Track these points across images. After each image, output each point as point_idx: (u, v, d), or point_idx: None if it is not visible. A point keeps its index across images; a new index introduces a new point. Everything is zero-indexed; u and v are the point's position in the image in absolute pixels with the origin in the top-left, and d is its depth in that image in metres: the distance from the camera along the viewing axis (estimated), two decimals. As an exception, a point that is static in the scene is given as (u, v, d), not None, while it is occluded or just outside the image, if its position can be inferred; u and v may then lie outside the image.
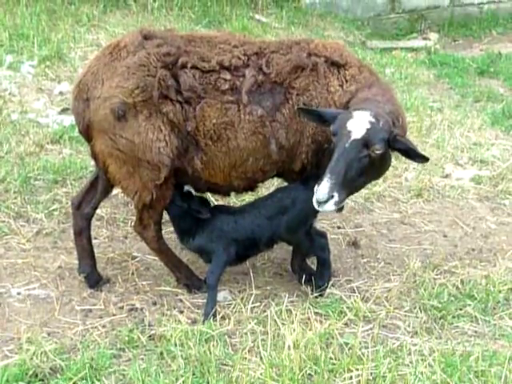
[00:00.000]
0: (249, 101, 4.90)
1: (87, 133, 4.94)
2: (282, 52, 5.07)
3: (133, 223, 5.30)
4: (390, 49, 12.23)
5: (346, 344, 4.67)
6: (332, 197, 4.57)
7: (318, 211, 5.16)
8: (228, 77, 4.90)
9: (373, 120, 4.62)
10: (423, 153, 4.81)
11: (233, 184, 5.17)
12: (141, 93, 4.73)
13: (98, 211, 6.01)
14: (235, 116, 4.90)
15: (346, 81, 5.05)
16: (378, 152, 4.64)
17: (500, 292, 5.44)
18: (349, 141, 4.62)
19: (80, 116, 4.90)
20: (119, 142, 4.78)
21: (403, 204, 6.84)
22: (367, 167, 4.71)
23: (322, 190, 4.54)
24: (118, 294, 5.25)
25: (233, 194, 5.48)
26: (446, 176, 7.44)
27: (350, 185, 4.70)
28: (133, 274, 5.46)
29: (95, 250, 5.48)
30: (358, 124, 4.63)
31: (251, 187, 5.35)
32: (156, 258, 5.54)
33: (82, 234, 5.31)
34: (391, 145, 4.69)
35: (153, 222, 5.11)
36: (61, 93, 8.18)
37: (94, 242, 5.63)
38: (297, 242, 5.34)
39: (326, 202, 4.57)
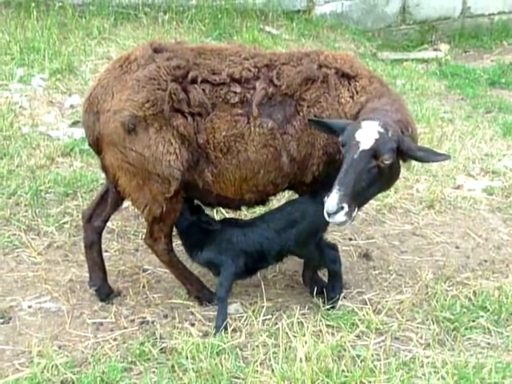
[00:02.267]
0: (259, 113, 4.89)
1: (97, 145, 4.94)
2: (293, 64, 5.06)
3: (143, 236, 5.29)
4: (400, 60, 12.22)
5: (358, 356, 4.64)
6: (342, 208, 4.53)
7: (327, 224, 5.16)
8: (238, 90, 4.89)
9: (381, 130, 4.60)
10: (438, 154, 4.81)
11: (244, 197, 5.15)
12: (151, 106, 4.72)
13: (109, 224, 6.01)
14: (245, 128, 4.89)
15: (357, 92, 5.04)
16: (386, 162, 4.62)
17: (513, 303, 5.41)
18: (357, 151, 4.60)
19: (90, 129, 4.90)
20: (129, 154, 4.78)
21: (415, 215, 6.81)
22: (376, 178, 4.70)
23: (331, 201, 4.52)
24: (129, 306, 5.23)
25: (244, 208, 5.46)
26: (458, 187, 7.40)
27: (359, 196, 4.68)
28: (144, 286, 5.45)
29: (106, 263, 5.46)
30: (367, 134, 4.60)
31: (262, 200, 5.33)
32: (167, 271, 5.53)
33: (93, 247, 5.31)
34: (402, 154, 4.67)
35: (163, 235, 5.10)
36: (71, 106, 8.19)
37: (104, 254, 5.62)
38: (307, 255, 5.32)
39: (335, 213, 4.53)
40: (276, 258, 5.23)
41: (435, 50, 13.22)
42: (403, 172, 5.41)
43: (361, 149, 4.60)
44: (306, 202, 5.19)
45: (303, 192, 5.30)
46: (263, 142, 4.92)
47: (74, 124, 7.79)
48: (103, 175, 6.56)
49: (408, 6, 13.30)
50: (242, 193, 5.10)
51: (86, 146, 7.19)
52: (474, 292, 5.53)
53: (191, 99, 4.80)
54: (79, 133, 7.53)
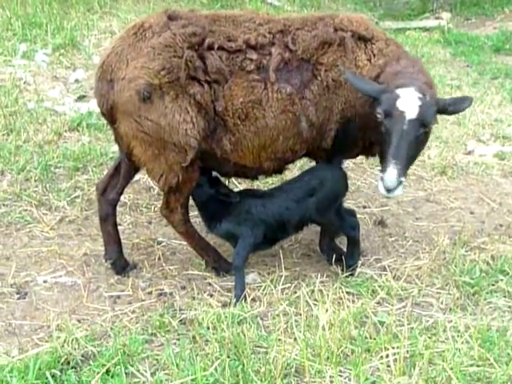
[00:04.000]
0: (276, 79, 4.82)
1: (111, 115, 4.84)
2: (307, 29, 4.99)
3: (160, 207, 5.23)
4: (403, 29, 12.14)
5: (381, 322, 4.59)
6: (400, 182, 4.51)
7: (347, 189, 5.13)
8: (254, 56, 4.82)
9: (420, 95, 4.54)
10: (463, 99, 4.78)
11: (262, 165, 5.08)
12: (167, 74, 4.63)
13: (121, 197, 5.93)
14: (263, 94, 4.82)
15: (374, 55, 4.99)
16: (432, 126, 4.62)
17: (532, 266, 5.37)
18: (405, 122, 4.52)
19: (103, 98, 4.79)
20: (144, 124, 4.69)
21: (427, 182, 6.77)
22: (423, 142, 4.74)
23: (390, 177, 4.47)
24: (146, 279, 5.18)
25: (261, 177, 5.40)
26: (469, 153, 7.36)
27: (410, 164, 4.72)
28: (159, 259, 5.40)
29: (120, 237, 5.43)
30: (409, 103, 4.53)
31: (280, 169, 5.26)
32: (182, 243, 5.50)
33: (108, 220, 5.25)
34: (439, 113, 4.66)
35: (179, 205, 5.04)
36: (76, 80, 8.13)
37: (118, 228, 5.59)
38: (328, 223, 5.25)
39: (396, 188, 4.50)
40: (296, 228, 5.17)
41: (437, 18, 13.14)
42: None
43: (408, 118, 4.52)
44: (324, 169, 5.14)
45: (321, 158, 5.24)
46: (282, 108, 4.85)
47: (80, 98, 7.74)
48: (113, 148, 6.59)
49: (409, -26, 13.20)
50: (261, 161, 5.03)
51: (94, 120, 7.19)
52: (492, 256, 5.51)
53: (208, 66, 4.72)
54: (85, 107, 7.48)
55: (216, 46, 4.76)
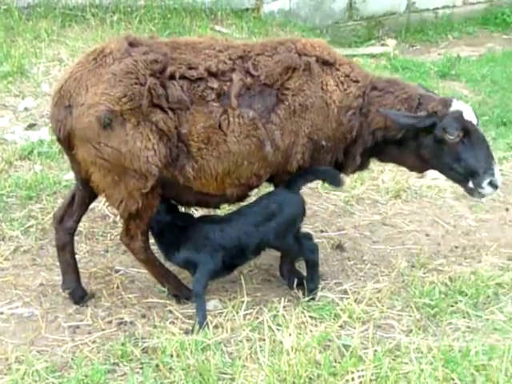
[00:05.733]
0: (238, 104, 4.83)
1: (68, 141, 4.77)
2: (268, 54, 5.03)
3: (115, 235, 5.17)
4: (350, 56, 12.19)
5: (345, 346, 4.59)
6: None
7: (304, 214, 5.14)
8: (215, 85, 4.82)
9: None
10: None
11: (226, 193, 5.06)
12: (129, 101, 4.59)
13: (77, 226, 5.89)
14: (222, 119, 4.81)
15: (342, 81, 5.11)
16: None
17: (489, 287, 5.44)
18: (478, 128, 5.10)
19: (61, 123, 4.71)
20: (104, 150, 4.64)
21: (383, 205, 6.81)
22: None
23: (499, 176, 5.08)
24: (105, 308, 5.10)
25: (223, 206, 5.42)
26: (422, 176, 7.41)
27: None
28: (118, 287, 5.32)
29: None
30: (469, 111, 5.05)
31: (244, 195, 5.25)
32: (140, 271, 5.44)
33: (66, 249, 5.16)
34: None
35: (140, 232, 4.98)
36: (26, 109, 7.99)
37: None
38: (286, 247, 5.24)
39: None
40: (254, 253, 5.15)
41: (383, 45, 13.29)
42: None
43: (476, 124, 5.08)
44: (282, 194, 5.14)
45: (284, 182, 5.24)
46: (245, 133, 4.86)
47: (30, 127, 7.61)
48: (66, 176, 6.52)
49: (355, 2, 13.32)
50: (225, 187, 5.01)
51: (45, 149, 7.09)
52: (450, 278, 5.56)
53: (170, 95, 4.70)
54: (36, 135, 7.36)
55: (178, 75, 4.75)
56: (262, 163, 4.99)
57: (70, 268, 5.18)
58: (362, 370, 4.32)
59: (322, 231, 6.24)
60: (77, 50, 9.62)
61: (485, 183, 5.06)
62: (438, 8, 14.25)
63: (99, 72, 4.66)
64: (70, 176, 6.53)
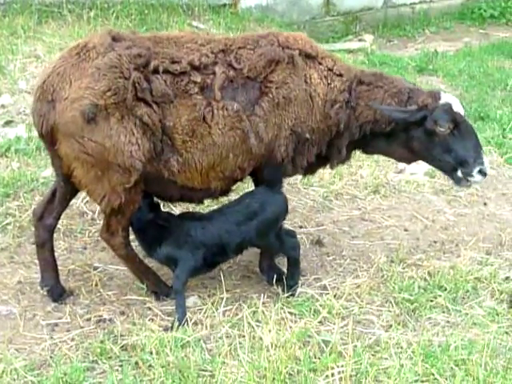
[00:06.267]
0: (222, 97, 4.84)
1: (50, 136, 4.73)
2: (250, 47, 5.04)
3: (93, 232, 5.14)
4: (327, 51, 12.23)
5: (325, 342, 4.59)
6: None
7: (287, 212, 5.14)
8: (198, 79, 4.82)
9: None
10: None
11: (210, 186, 5.06)
12: (113, 95, 4.58)
13: (55, 223, 5.85)
14: (206, 111, 4.81)
15: (326, 74, 5.15)
16: None
17: (468, 282, 5.47)
18: (466, 118, 5.26)
19: (43, 118, 4.68)
20: (87, 145, 4.61)
21: (361, 201, 6.82)
22: None
23: (488, 163, 5.25)
24: (84, 305, 5.07)
25: (206, 200, 5.40)
26: (400, 171, 7.44)
27: None
28: (96, 284, 5.28)
29: None
30: (456, 102, 5.17)
31: (227, 189, 5.25)
32: (119, 267, 5.42)
33: (45, 246, 5.13)
34: None
35: (121, 228, 4.95)
36: (2, 105, 7.92)
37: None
38: (268, 245, 5.24)
39: None
40: (236, 251, 5.14)
41: (360, 40, 13.32)
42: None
43: (464, 115, 5.23)
44: (264, 193, 5.13)
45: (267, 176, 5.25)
46: (229, 125, 4.87)
47: (7, 124, 7.54)
48: (44, 173, 6.47)
49: (332, -3, 13.36)
50: (209, 180, 5.01)
51: (22, 146, 7.02)
52: (429, 272, 5.58)
53: (154, 89, 4.70)
54: (13, 132, 7.28)
55: (161, 69, 4.74)
56: (247, 155, 5.00)
57: (49, 265, 5.15)
58: (342, 366, 4.32)
59: (300, 227, 6.24)
60: (53, 47, 9.55)
61: (475, 171, 5.17)
62: (415, 3, 14.34)
63: (83, 66, 4.64)
64: (48, 173, 6.50)
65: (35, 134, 6.97)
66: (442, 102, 5.10)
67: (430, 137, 5.15)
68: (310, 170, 5.49)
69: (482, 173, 5.20)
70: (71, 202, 5.96)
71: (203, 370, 4.34)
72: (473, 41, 13.32)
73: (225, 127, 4.86)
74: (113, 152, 4.63)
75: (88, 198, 6.15)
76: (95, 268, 5.50)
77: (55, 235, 5.70)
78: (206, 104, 4.82)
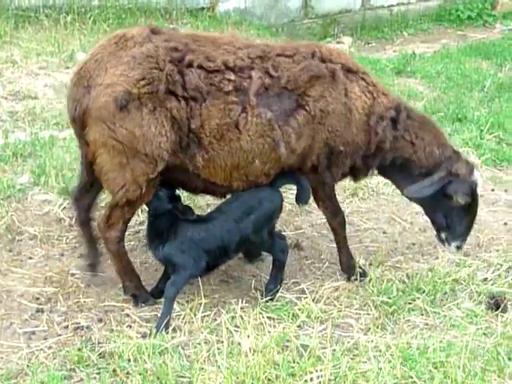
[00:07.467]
0: (257, 103, 4.87)
1: (82, 120, 4.80)
2: (288, 53, 5.08)
3: (70, 238, 5.12)
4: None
5: (304, 346, 4.58)
6: None
7: (281, 211, 5.24)
8: (232, 77, 4.87)
9: None
10: None
11: (232, 185, 5.10)
12: (146, 84, 4.66)
13: (31, 230, 5.87)
14: (240, 117, 4.86)
15: (368, 90, 5.21)
16: None
17: (446, 284, 5.48)
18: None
19: (77, 102, 4.78)
20: (118, 131, 4.67)
21: (340, 204, 6.77)
22: None
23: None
24: (61, 313, 5.02)
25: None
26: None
27: None
28: (74, 291, 5.25)
29: (31, 270, 5.39)
30: (480, 181, 5.46)
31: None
32: (97, 274, 5.37)
33: (85, 225, 5.33)
34: None
35: (122, 221, 4.97)
36: (-19, 111, 7.89)
37: (29, 261, 5.53)
38: (261, 243, 5.18)
39: None
40: (236, 250, 5.12)
41: (338, 42, 13.34)
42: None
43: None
44: (262, 189, 5.14)
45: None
46: (260, 132, 4.90)
47: (-14, 130, 7.50)
48: (20, 180, 6.43)
49: (310, 0, 13.36)
50: (232, 179, 5.06)
51: (-1, 152, 6.97)
52: (407, 275, 5.60)
53: (187, 82, 4.76)
54: (-9, 140, 7.26)
55: (195, 64, 4.80)
56: (274, 163, 5.05)
57: (92, 242, 5.32)
58: (321, 370, 4.32)
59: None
60: (30, 52, 9.54)
61: (453, 244, 5.49)
62: (392, 5, 14.35)
63: (120, 54, 4.74)
64: (25, 179, 6.50)
65: (12, 140, 7.02)
66: (473, 178, 5.23)
67: (441, 195, 5.23)
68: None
69: (458, 248, 5.51)
70: (48, 209, 6.01)
71: (181, 377, 4.32)
72: (450, 42, 13.38)
73: (255, 134, 4.89)
74: (142, 141, 4.70)
75: (66, 205, 6.14)
76: (72, 274, 5.45)
77: (32, 242, 5.75)
78: (240, 110, 4.85)
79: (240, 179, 5.05)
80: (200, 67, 4.82)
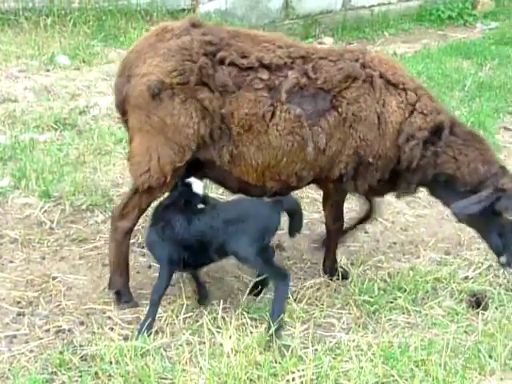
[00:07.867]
0: (287, 99, 4.89)
1: (123, 107, 5.03)
2: (332, 58, 5.06)
3: (52, 242, 5.09)
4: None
5: (286, 346, 4.59)
6: None
7: (275, 231, 5.05)
8: (265, 76, 4.90)
9: None
10: None
11: (265, 185, 5.12)
12: (178, 75, 4.78)
13: (12, 233, 5.84)
14: (269, 112, 4.89)
15: (411, 107, 5.10)
16: None
17: (427, 282, 5.51)
18: None
19: (119, 91, 5.02)
20: (152, 118, 4.85)
21: (321, 204, 6.79)
22: None
23: None
24: (43, 316, 5.00)
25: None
26: (360, 173, 7.46)
27: None
28: (56, 294, 5.23)
29: (12, 274, 5.37)
30: None
31: (283, 193, 5.24)
32: (78, 277, 5.39)
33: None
34: None
35: (138, 210, 5.04)
36: (-40, 115, 7.86)
37: (9, 265, 5.51)
38: (245, 258, 4.88)
39: None
40: (217, 252, 4.92)
41: (320, 43, 13.34)
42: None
43: None
44: (264, 204, 5.04)
45: (327, 189, 5.38)
46: (289, 129, 4.91)
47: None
48: (2, 182, 6.39)
49: (291, 0, 13.34)
50: (265, 179, 5.09)
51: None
52: (389, 274, 5.62)
53: (216, 78, 4.83)
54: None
55: (227, 61, 4.86)
56: (303, 164, 5.03)
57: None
58: (303, 370, 4.33)
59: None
60: (10, 54, 9.55)
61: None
62: (373, 5, 14.39)
63: (158, 46, 4.90)
64: (5, 183, 6.51)
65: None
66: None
67: (491, 213, 5.02)
68: (374, 193, 5.54)
69: None
70: (29, 212, 6.00)
71: (163, 379, 4.32)
72: (431, 42, 13.42)
73: (284, 130, 4.91)
74: (172, 130, 4.83)
75: (46, 208, 6.13)
76: (54, 278, 5.43)
77: (13, 246, 5.74)
78: (269, 103, 4.88)
79: (273, 179, 5.08)
80: (232, 64, 4.88)
